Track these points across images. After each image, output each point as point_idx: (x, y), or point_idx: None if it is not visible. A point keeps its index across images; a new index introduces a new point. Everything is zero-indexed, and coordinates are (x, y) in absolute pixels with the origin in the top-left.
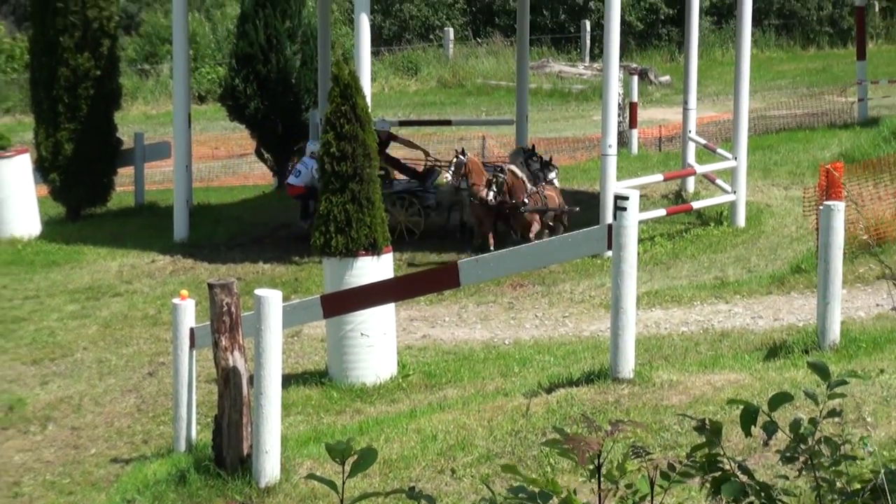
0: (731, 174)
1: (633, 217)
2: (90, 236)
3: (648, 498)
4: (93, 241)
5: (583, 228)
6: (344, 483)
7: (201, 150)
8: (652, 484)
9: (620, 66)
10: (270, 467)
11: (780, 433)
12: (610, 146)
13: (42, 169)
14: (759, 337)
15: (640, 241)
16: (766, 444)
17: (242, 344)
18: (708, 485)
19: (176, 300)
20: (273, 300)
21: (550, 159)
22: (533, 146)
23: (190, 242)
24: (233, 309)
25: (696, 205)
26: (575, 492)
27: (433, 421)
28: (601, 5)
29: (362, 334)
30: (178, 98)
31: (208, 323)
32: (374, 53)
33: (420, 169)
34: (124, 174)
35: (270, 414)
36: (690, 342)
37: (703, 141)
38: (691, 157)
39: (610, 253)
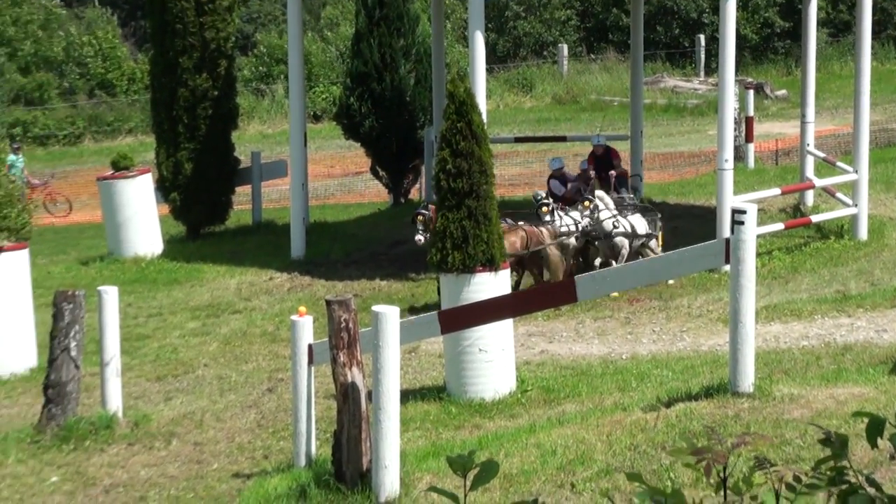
0: (851, 187)
1: (751, 231)
2: (210, 254)
3: None
4: (212, 260)
5: (699, 243)
6: (465, 496)
7: (317, 169)
8: (777, 496)
9: (736, 80)
10: (390, 482)
11: None
12: (726, 160)
13: (163, 188)
14: (883, 350)
15: (758, 255)
16: (892, 457)
17: (361, 360)
18: (835, 498)
19: (294, 317)
20: (391, 316)
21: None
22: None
23: (307, 259)
24: (350, 325)
25: (815, 218)
26: (702, 502)
27: (552, 435)
28: (716, 19)
29: (480, 350)
30: (294, 117)
31: (326, 339)
32: (489, 71)
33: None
34: (242, 193)
35: (389, 429)
36: (811, 356)
37: (821, 154)
38: (810, 171)
39: (727, 267)
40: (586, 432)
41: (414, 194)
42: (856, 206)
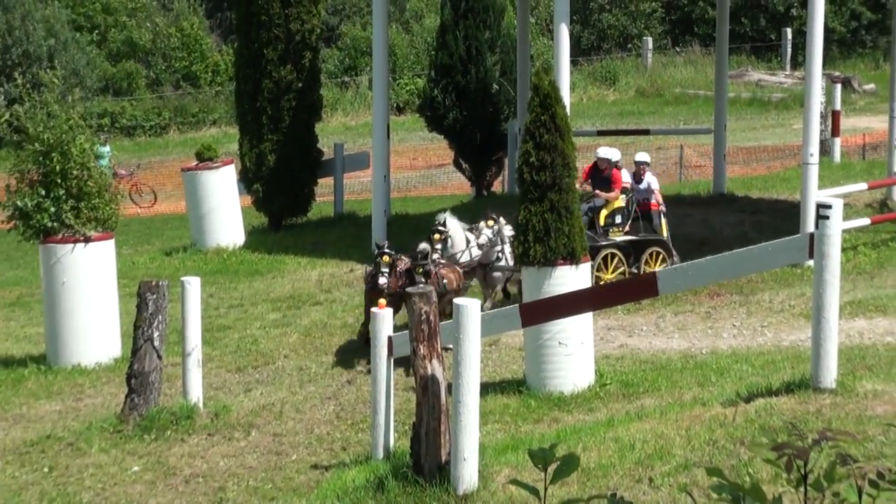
0: None
1: (837, 226)
2: (291, 246)
3: None
4: (294, 251)
5: (782, 238)
6: (546, 489)
7: (399, 161)
8: (860, 493)
9: (823, 74)
10: (469, 475)
11: None
12: (811, 155)
13: (246, 179)
14: None
15: (843, 250)
16: None
17: (441, 352)
18: None
19: (374, 309)
20: (472, 309)
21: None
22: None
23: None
24: (431, 317)
25: None
26: (780, 497)
27: (631, 430)
28: (803, 12)
29: (560, 343)
30: (378, 109)
31: (406, 332)
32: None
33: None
34: (324, 184)
35: (469, 422)
36: None
37: None
38: None
39: (811, 262)
40: (665, 427)
41: (496, 186)
42: None
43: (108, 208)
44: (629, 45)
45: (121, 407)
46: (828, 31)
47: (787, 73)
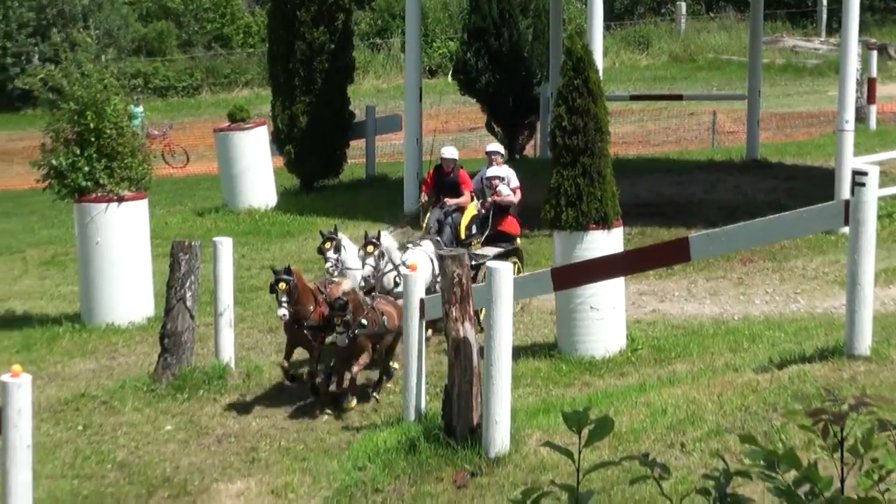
0: None
1: (872, 192)
2: (322, 207)
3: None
4: (325, 213)
5: (816, 204)
6: (580, 452)
7: (431, 124)
8: None
9: (859, 40)
10: (500, 438)
11: None
12: (847, 121)
13: (278, 141)
14: None
15: (878, 217)
16: None
17: (473, 315)
18: None
19: (405, 271)
20: (504, 272)
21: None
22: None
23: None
24: (463, 280)
25: None
26: (815, 464)
27: (662, 395)
28: None
29: (592, 307)
30: (410, 72)
31: (438, 294)
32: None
33: None
34: (356, 147)
35: (501, 385)
36: None
37: None
38: None
39: (846, 229)
40: (697, 392)
41: (528, 151)
42: None
43: (140, 168)
44: (662, 10)
45: (154, 366)
46: None
47: (822, 39)
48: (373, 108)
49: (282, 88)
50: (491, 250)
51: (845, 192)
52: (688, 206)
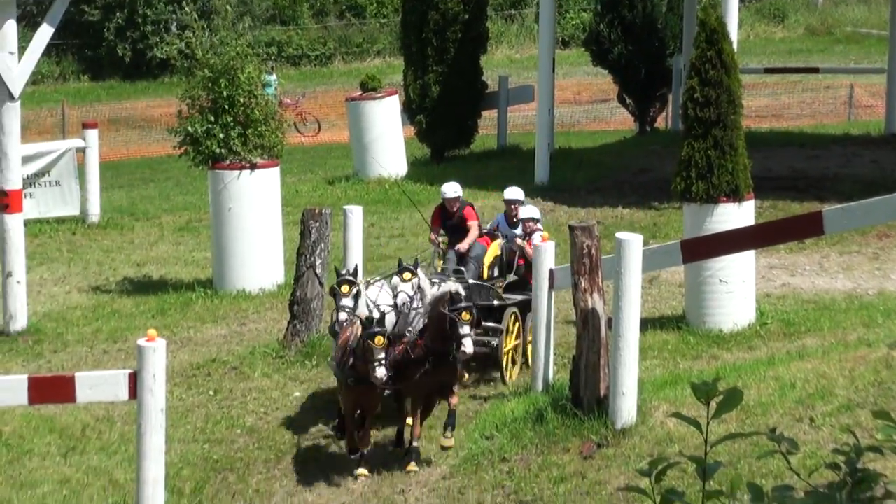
0: None
1: None
2: (453, 178)
3: None
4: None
5: None
6: (708, 423)
7: (563, 95)
8: None
9: None
10: (627, 409)
11: None
12: None
13: (409, 111)
14: None
15: None
16: None
17: (602, 286)
18: None
19: (537, 242)
20: (634, 244)
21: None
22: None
23: (550, 185)
24: (593, 251)
25: None
26: None
27: (792, 369)
28: None
29: (721, 280)
30: (543, 42)
31: (568, 265)
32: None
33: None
34: (487, 117)
35: (628, 356)
36: None
37: None
38: None
39: None
40: (827, 367)
41: (660, 122)
42: None
43: (273, 136)
44: None
45: (283, 333)
46: None
47: None
48: (505, 78)
49: (414, 58)
50: (516, 297)
51: None
52: (822, 180)
